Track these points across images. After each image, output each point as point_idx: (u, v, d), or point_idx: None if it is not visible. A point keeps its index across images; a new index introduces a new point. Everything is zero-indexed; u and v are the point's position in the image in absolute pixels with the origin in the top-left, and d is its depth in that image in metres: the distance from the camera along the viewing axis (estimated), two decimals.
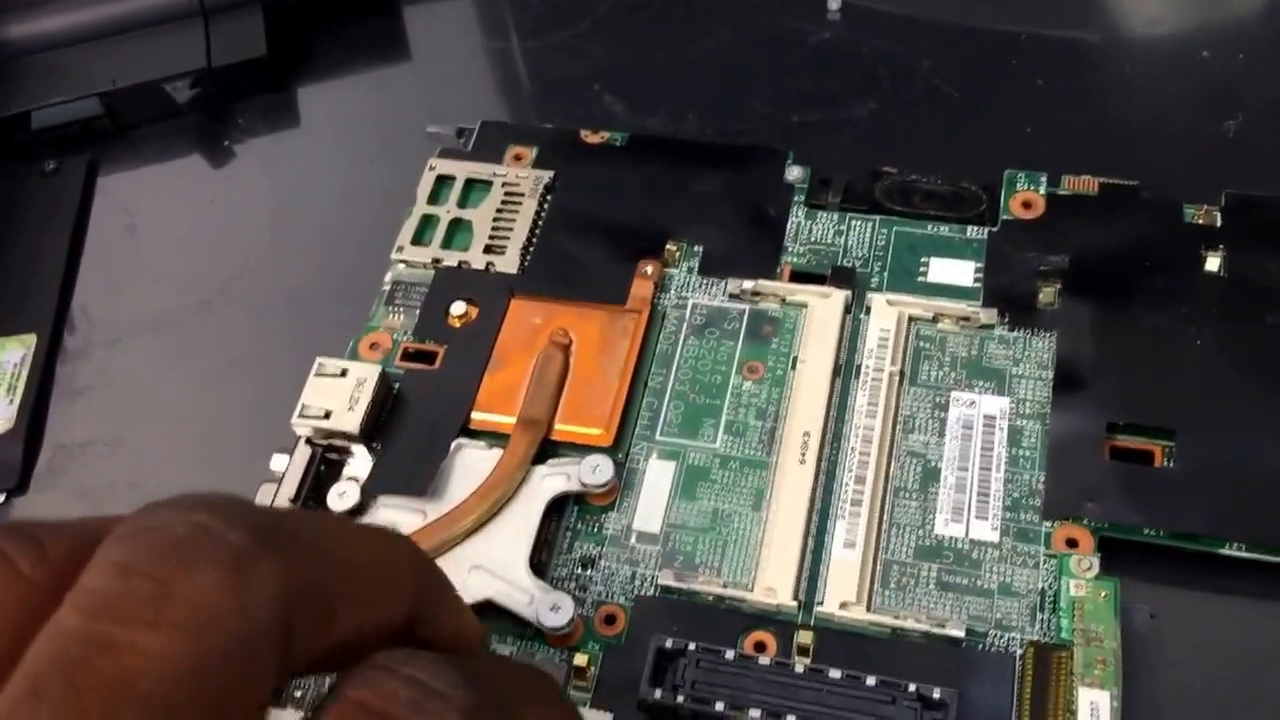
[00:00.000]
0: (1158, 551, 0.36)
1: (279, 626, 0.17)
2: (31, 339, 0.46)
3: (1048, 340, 0.40)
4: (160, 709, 0.16)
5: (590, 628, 0.36)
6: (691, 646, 0.34)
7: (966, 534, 0.36)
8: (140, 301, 0.48)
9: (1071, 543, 0.36)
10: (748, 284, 0.42)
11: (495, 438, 0.39)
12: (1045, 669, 0.33)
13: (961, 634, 0.34)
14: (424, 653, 0.19)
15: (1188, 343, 0.39)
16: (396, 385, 0.41)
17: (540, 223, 0.44)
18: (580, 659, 0.35)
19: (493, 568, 0.36)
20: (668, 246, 0.43)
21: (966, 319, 0.40)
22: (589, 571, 0.37)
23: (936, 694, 0.32)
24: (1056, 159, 0.44)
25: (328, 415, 0.39)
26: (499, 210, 0.45)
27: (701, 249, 0.43)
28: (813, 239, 0.43)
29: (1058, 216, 0.42)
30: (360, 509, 0.38)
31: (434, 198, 0.45)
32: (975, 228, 0.42)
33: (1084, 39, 0.50)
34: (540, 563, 0.37)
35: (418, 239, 0.44)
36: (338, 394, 0.40)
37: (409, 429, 0.40)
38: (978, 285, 0.41)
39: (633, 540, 0.37)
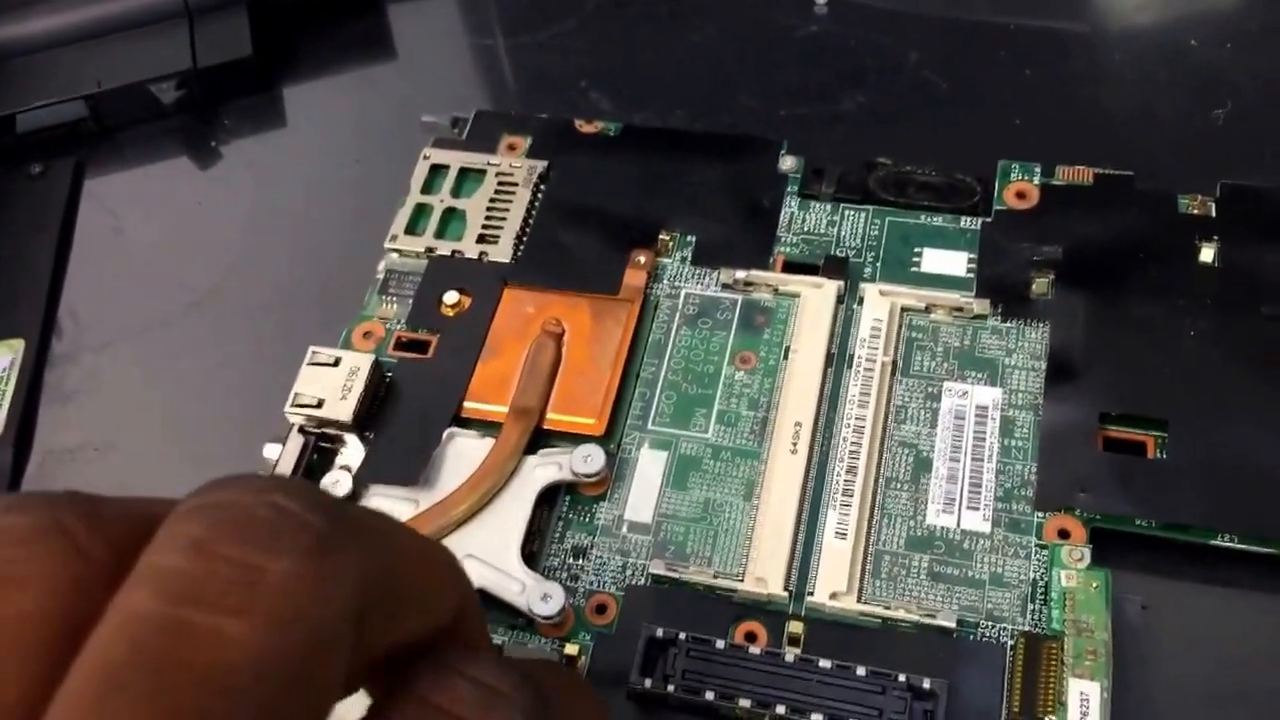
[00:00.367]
0: (1149, 542, 0.36)
1: (356, 618, 0.16)
2: (19, 344, 0.46)
3: (1041, 331, 0.39)
4: (251, 703, 0.15)
5: (581, 617, 0.36)
6: (682, 636, 0.34)
7: (958, 524, 0.36)
8: (129, 304, 0.48)
9: (1063, 533, 0.36)
10: (740, 274, 0.42)
11: (487, 427, 0.39)
12: (1035, 660, 0.33)
13: (952, 624, 0.34)
14: (483, 653, 0.19)
15: (1181, 334, 0.39)
16: (389, 374, 0.41)
17: (534, 212, 0.44)
18: (571, 648, 0.35)
19: (484, 557, 0.36)
20: (661, 236, 0.43)
21: (959, 309, 0.40)
22: (580, 561, 0.37)
23: (926, 684, 0.32)
24: (1045, 150, 0.44)
25: (320, 404, 0.39)
26: (492, 200, 0.45)
27: (694, 239, 0.43)
28: (806, 229, 0.43)
29: (1052, 207, 0.42)
30: (352, 498, 0.38)
31: (428, 187, 0.45)
32: (969, 218, 0.42)
33: (1071, 29, 0.50)
34: (532, 552, 0.37)
35: (411, 228, 0.44)
36: (331, 383, 0.40)
37: (401, 418, 0.40)
38: (971, 276, 0.41)
39: (624, 530, 0.37)
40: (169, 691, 0.14)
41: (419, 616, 0.19)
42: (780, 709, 0.32)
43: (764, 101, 0.49)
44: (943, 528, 0.36)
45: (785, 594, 0.35)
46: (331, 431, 0.40)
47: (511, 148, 0.47)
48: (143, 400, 0.45)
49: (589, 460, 0.38)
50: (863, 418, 0.38)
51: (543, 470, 0.38)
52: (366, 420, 0.40)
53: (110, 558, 0.16)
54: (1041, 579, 0.35)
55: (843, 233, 0.43)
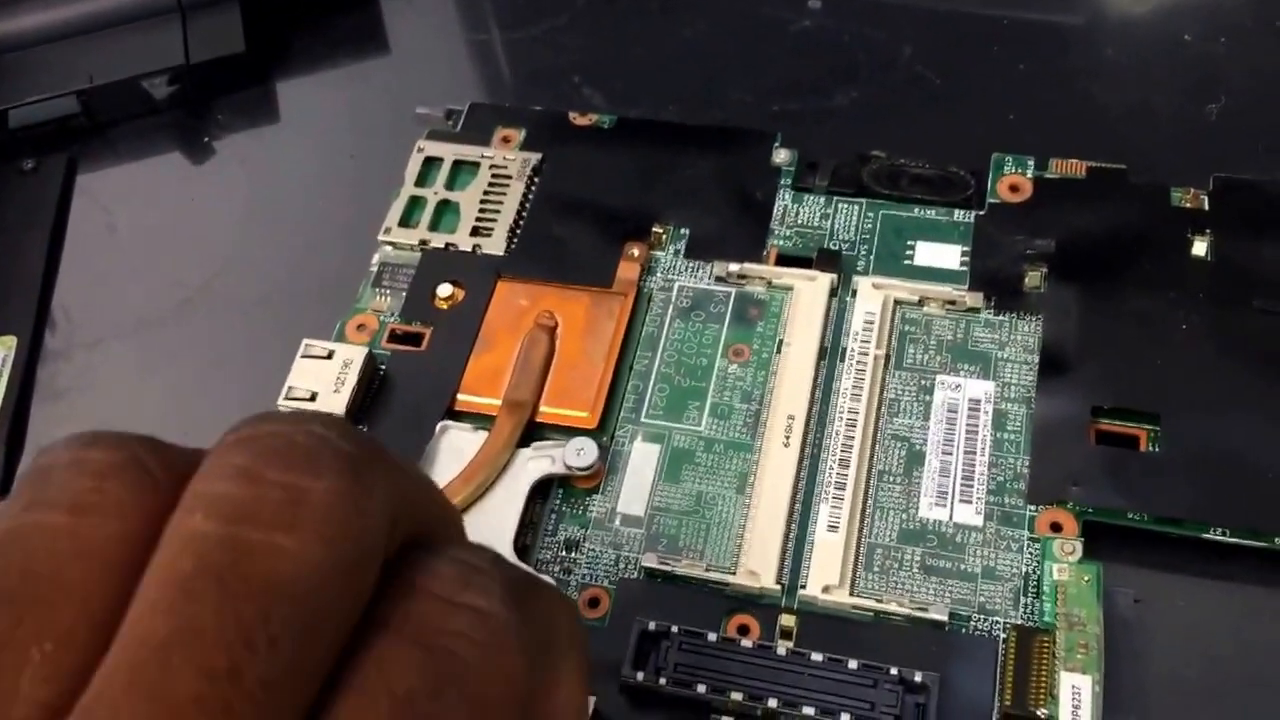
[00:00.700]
0: (1142, 536, 0.36)
1: (390, 530, 0.18)
2: (12, 341, 0.46)
3: (1033, 324, 0.39)
4: (310, 608, 0.16)
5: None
6: (674, 629, 0.34)
7: (950, 518, 0.36)
8: (121, 301, 0.47)
9: (1056, 527, 0.36)
10: (734, 267, 0.42)
11: (480, 420, 0.39)
12: (1027, 653, 0.33)
13: (944, 618, 0.34)
14: (468, 543, 0.20)
15: (1174, 327, 0.39)
16: (383, 367, 0.41)
17: (527, 205, 0.44)
18: None
19: None
20: (654, 229, 0.43)
21: (952, 302, 0.40)
22: (573, 554, 0.37)
23: (918, 677, 0.33)
24: (1039, 143, 0.43)
25: (314, 397, 0.39)
26: (486, 192, 0.45)
27: (688, 231, 0.43)
28: (799, 222, 0.43)
29: (1045, 200, 0.42)
30: None
31: (421, 179, 0.45)
32: (962, 211, 0.42)
33: (1065, 22, 0.50)
34: (524, 545, 0.37)
35: (405, 221, 0.44)
36: (324, 375, 0.40)
37: (395, 411, 0.40)
38: (964, 269, 0.41)
39: (617, 523, 0.37)
40: (234, 598, 0.16)
41: (431, 529, 0.20)
42: (772, 702, 0.33)
43: (757, 96, 0.49)
44: (935, 521, 0.36)
45: (777, 587, 0.35)
46: None
47: (505, 140, 0.47)
48: (136, 397, 0.45)
49: (582, 454, 0.38)
50: (855, 411, 0.38)
51: (535, 463, 0.38)
52: (360, 413, 0.40)
53: (177, 487, 0.17)
54: (1034, 572, 0.35)
55: (836, 226, 0.43)
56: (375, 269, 0.44)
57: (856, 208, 0.43)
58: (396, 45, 0.54)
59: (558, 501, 0.38)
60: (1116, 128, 0.46)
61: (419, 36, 0.54)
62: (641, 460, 0.39)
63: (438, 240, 0.44)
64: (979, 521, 0.36)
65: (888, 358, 0.40)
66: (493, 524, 0.37)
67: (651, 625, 0.34)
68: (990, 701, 0.33)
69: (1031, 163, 0.43)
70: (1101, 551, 0.35)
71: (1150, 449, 0.37)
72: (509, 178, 0.45)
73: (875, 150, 0.44)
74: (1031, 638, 0.34)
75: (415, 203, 0.45)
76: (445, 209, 0.45)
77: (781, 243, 0.43)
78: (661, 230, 0.43)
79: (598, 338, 0.40)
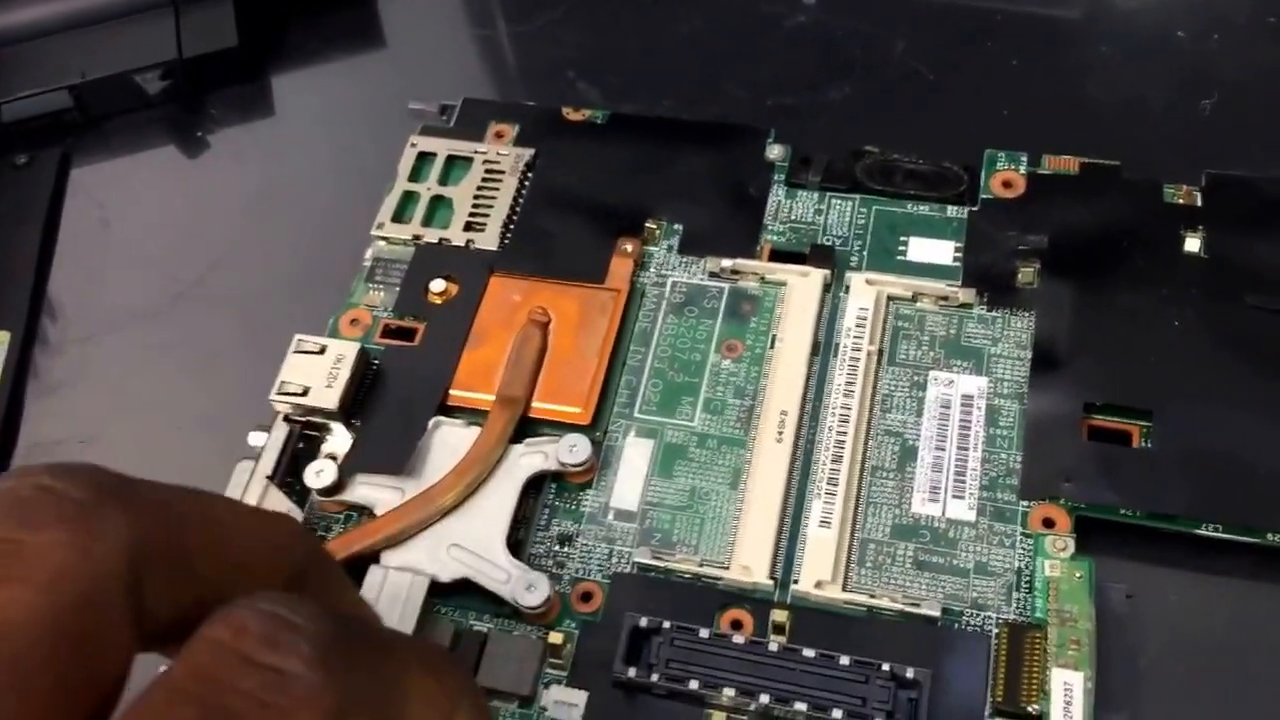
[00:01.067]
0: (1135, 531, 0.36)
1: (130, 576, 0.18)
2: (5, 336, 0.46)
3: (1026, 320, 0.40)
4: (20, 665, 0.16)
5: (567, 605, 0.36)
6: (666, 625, 0.34)
7: (943, 513, 0.36)
8: (114, 295, 0.47)
9: (1048, 522, 0.36)
10: (727, 262, 0.42)
11: (473, 415, 0.39)
12: (1019, 649, 0.33)
13: (937, 613, 0.34)
14: (287, 594, 0.18)
15: (1166, 323, 0.39)
16: (376, 362, 0.41)
17: (521, 200, 0.44)
18: (555, 637, 0.35)
19: (470, 545, 0.36)
20: (647, 224, 0.43)
21: (945, 298, 0.40)
22: (566, 549, 0.37)
23: (910, 673, 0.33)
24: (1032, 139, 0.43)
25: (306, 392, 0.39)
26: (480, 187, 0.45)
27: (681, 227, 0.43)
28: (793, 217, 0.43)
29: (1038, 196, 0.42)
30: (337, 486, 0.38)
31: (415, 175, 0.45)
32: (955, 207, 0.42)
33: (1059, 17, 0.50)
34: (518, 540, 0.37)
35: (398, 216, 0.44)
36: (316, 371, 0.40)
37: (388, 406, 0.40)
38: (957, 264, 0.41)
39: (610, 518, 0.37)
40: None
41: (228, 581, 0.19)
42: (764, 698, 0.33)
43: (751, 91, 0.49)
44: (928, 516, 0.36)
45: (770, 582, 0.35)
46: (317, 420, 0.40)
47: (499, 135, 0.46)
48: (129, 391, 0.45)
49: (574, 450, 0.38)
50: (848, 406, 0.38)
51: (528, 459, 0.38)
52: (352, 408, 0.40)
53: None
54: (1026, 568, 0.35)
55: (829, 221, 0.43)
56: (368, 264, 0.44)
57: (850, 203, 0.43)
58: (390, 40, 0.54)
59: (551, 496, 0.38)
60: (1110, 124, 0.46)
61: (413, 31, 0.54)
62: (635, 455, 0.39)
63: (431, 235, 0.44)
64: (971, 517, 0.36)
65: (881, 353, 0.40)
66: (485, 520, 0.37)
67: (643, 621, 0.34)
68: (982, 697, 0.33)
69: (1025, 158, 0.43)
70: (1094, 547, 0.35)
71: (1143, 445, 0.37)
72: (502, 173, 0.45)
73: (869, 146, 0.44)
74: (1023, 634, 0.34)
75: (409, 198, 0.45)
76: (439, 204, 0.45)
77: (775, 238, 0.43)
78: (655, 226, 0.43)
79: (591, 333, 0.40)
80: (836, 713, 0.32)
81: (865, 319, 0.40)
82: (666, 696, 0.34)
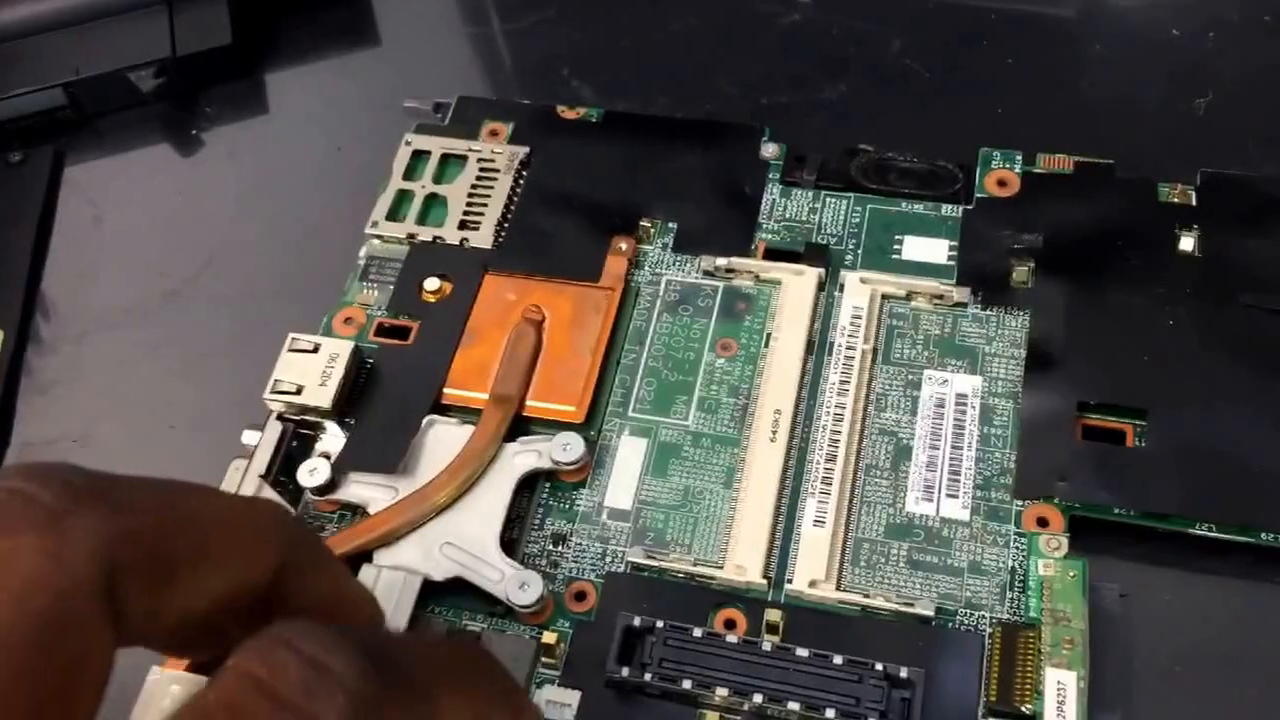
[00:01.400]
0: (1128, 531, 0.36)
1: (103, 579, 0.17)
2: None
3: (1021, 319, 0.39)
4: (7, 666, 0.16)
5: (561, 604, 0.36)
6: (659, 624, 0.34)
7: (937, 512, 0.36)
8: (108, 293, 0.47)
9: (1042, 522, 0.36)
10: (721, 261, 0.41)
11: (467, 414, 0.39)
12: (1012, 649, 0.33)
13: (931, 613, 0.34)
14: (324, 627, 0.18)
15: (1161, 322, 0.39)
16: (369, 360, 0.41)
17: (515, 198, 0.44)
18: (549, 636, 0.35)
19: (463, 544, 0.36)
20: (642, 223, 0.43)
21: (940, 297, 0.40)
22: (560, 548, 0.37)
23: (903, 673, 0.33)
24: (1027, 137, 0.44)
25: (300, 391, 0.39)
26: (474, 186, 0.45)
27: (676, 225, 0.43)
28: (787, 216, 0.43)
29: (1033, 195, 0.42)
30: (331, 485, 0.38)
31: (409, 173, 0.45)
32: (950, 206, 0.42)
33: (1054, 16, 0.50)
34: (511, 539, 0.37)
35: (393, 214, 0.44)
36: (310, 369, 0.40)
37: (381, 404, 0.40)
38: (952, 263, 0.41)
39: (604, 517, 0.37)
40: None
41: (206, 574, 0.19)
42: (757, 698, 0.32)
43: (746, 89, 0.49)
44: (922, 516, 0.36)
45: (764, 581, 0.35)
46: (311, 418, 0.40)
47: (493, 133, 0.46)
48: (122, 390, 0.45)
49: (568, 449, 0.37)
50: (843, 405, 0.38)
51: (522, 458, 0.38)
52: (346, 407, 0.40)
53: None
54: (1020, 567, 0.35)
55: (824, 220, 0.43)
56: (362, 262, 0.44)
57: (844, 202, 0.43)
58: (384, 38, 0.54)
59: (545, 495, 0.38)
60: (1104, 122, 0.46)
61: (407, 29, 0.54)
62: (629, 454, 0.38)
63: (425, 234, 0.43)
64: (965, 516, 0.36)
65: (875, 352, 0.39)
66: (479, 518, 0.37)
67: (637, 620, 0.34)
68: (976, 697, 0.33)
69: (1019, 157, 0.43)
70: (1087, 547, 0.35)
71: (1137, 444, 0.37)
72: (497, 171, 0.45)
73: (863, 144, 0.44)
74: (1017, 633, 0.34)
75: (403, 196, 0.45)
76: (433, 202, 0.45)
77: (769, 237, 0.43)
78: (649, 224, 0.43)
79: (585, 332, 0.40)
80: (830, 712, 0.32)
81: (860, 318, 0.40)
82: (660, 696, 0.34)
